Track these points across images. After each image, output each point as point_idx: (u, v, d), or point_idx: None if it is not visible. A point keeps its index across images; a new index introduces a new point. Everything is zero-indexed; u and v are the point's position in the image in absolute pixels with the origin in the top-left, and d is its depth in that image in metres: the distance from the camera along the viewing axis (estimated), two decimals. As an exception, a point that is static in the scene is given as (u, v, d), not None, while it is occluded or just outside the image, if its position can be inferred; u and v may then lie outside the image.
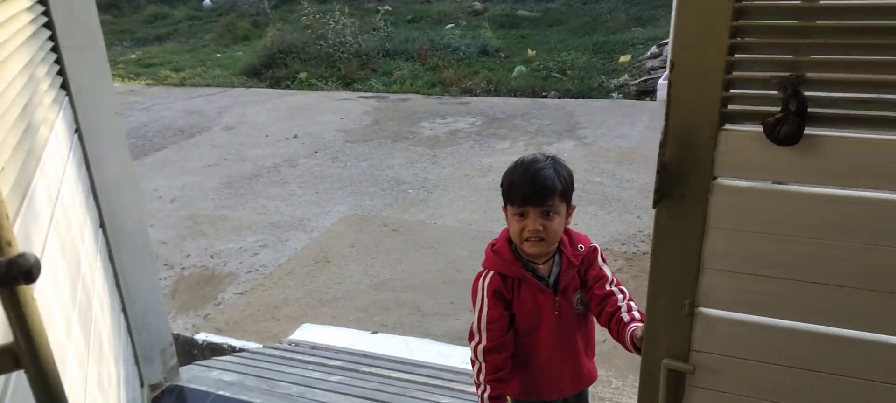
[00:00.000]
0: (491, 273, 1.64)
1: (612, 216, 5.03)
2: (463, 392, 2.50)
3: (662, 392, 1.16)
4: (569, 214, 1.62)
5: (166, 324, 2.43)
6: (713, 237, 1.04)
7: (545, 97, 8.96)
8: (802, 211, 0.97)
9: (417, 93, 9.62)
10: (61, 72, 1.95)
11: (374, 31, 11.93)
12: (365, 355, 3.03)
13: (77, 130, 2.02)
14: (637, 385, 1.22)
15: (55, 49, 1.92)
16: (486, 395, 1.64)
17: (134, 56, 13.05)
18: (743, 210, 1.01)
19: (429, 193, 5.74)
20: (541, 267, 1.63)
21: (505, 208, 1.63)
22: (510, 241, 1.64)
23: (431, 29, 12.69)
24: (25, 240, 1.15)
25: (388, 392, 2.50)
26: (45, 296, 1.18)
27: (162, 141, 7.83)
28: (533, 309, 1.63)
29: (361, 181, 6.14)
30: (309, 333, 3.44)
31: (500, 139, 7.18)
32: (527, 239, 1.56)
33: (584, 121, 7.59)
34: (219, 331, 3.76)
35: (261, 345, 3.42)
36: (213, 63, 12.13)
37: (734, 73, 0.96)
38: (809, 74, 0.92)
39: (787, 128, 0.93)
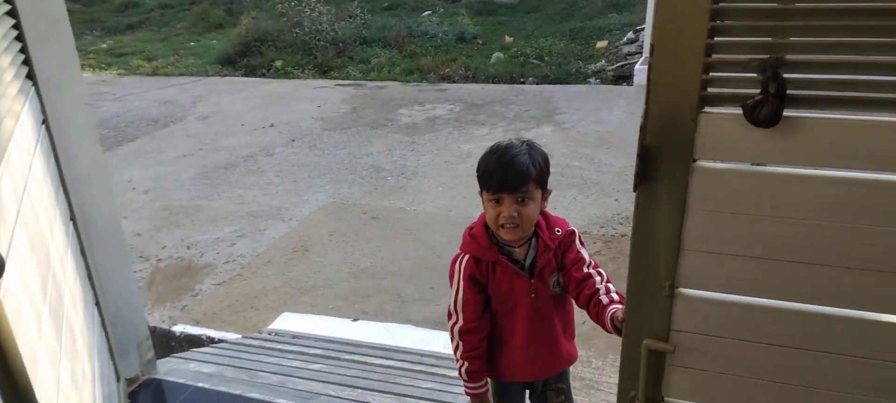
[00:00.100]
0: (467, 256, 1.66)
1: (591, 199, 5.07)
2: (445, 376, 2.50)
3: (643, 371, 1.16)
4: (544, 199, 1.62)
5: (142, 317, 2.39)
6: (693, 218, 1.04)
7: (523, 83, 8.97)
8: (781, 191, 0.98)
9: (395, 80, 9.57)
10: (27, 62, 1.89)
11: (350, 18, 11.82)
12: (346, 342, 3.02)
13: (44, 121, 1.96)
14: (617, 364, 1.23)
15: (20, 38, 1.86)
16: (463, 369, 1.72)
17: (105, 46, 12.78)
18: (722, 191, 1.02)
19: (408, 180, 5.72)
20: (516, 250, 1.64)
21: (481, 193, 1.62)
22: (487, 226, 1.65)
23: (408, 16, 12.61)
24: (-9, 235, 1.12)
25: (370, 379, 2.49)
26: (13, 294, 1.14)
27: (135, 131, 7.69)
28: (509, 292, 1.65)
29: (340, 169, 6.09)
30: (289, 322, 3.41)
31: (478, 125, 7.18)
32: (502, 226, 1.57)
33: (562, 107, 7.62)
34: (197, 323, 3.71)
35: (240, 336, 3.38)
36: (187, 52, 11.92)
37: (714, 56, 0.96)
38: (788, 57, 0.92)
39: (766, 110, 0.93)
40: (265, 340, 3.08)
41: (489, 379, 1.87)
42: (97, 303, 2.09)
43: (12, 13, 1.81)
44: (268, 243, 4.69)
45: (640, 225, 1.08)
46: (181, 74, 10.65)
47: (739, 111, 0.96)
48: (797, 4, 0.92)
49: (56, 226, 1.78)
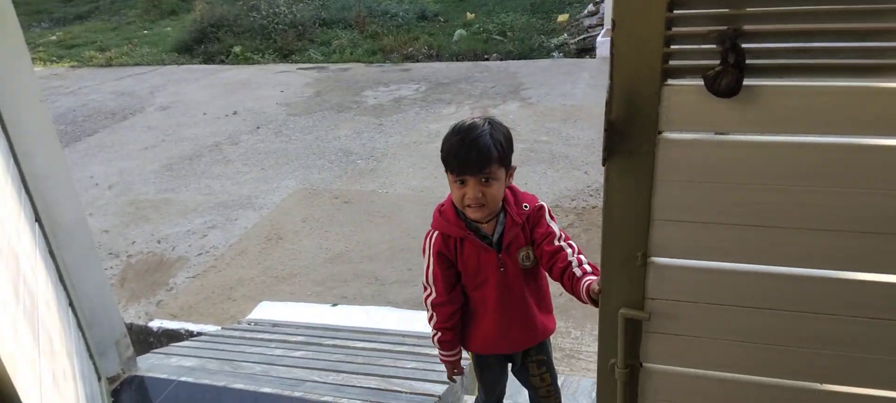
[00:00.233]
0: (436, 233, 1.70)
1: (561, 173, 5.13)
2: (428, 355, 2.54)
3: (620, 339, 1.20)
4: (509, 176, 1.65)
5: (117, 315, 2.36)
6: (661, 189, 1.08)
7: (487, 60, 8.97)
8: (744, 159, 1.02)
9: (358, 61, 9.47)
10: (-25, 60, 1.83)
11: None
12: (327, 328, 3.03)
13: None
14: (595, 334, 1.27)
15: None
16: (436, 339, 1.81)
17: (54, 37, 12.34)
18: (688, 162, 1.05)
19: (378, 162, 5.71)
20: (484, 226, 1.67)
21: (447, 175, 1.65)
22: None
23: (368, -6, 12.43)
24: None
25: (354, 363, 2.51)
26: (-11, 299, 1.13)
27: (93, 125, 7.48)
28: (477, 268, 1.69)
29: (308, 154, 6.04)
30: (268, 311, 3.40)
31: (445, 104, 7.17)
32: (468, 206, 1.60)
33: (527, 82, 7.65)
34: (174, 317, 3.68)
35: (219, 327, 3.37)
36: (141, 40, 11.59)
37: (674, 30, 0.98)
38: (746, 27, 0.95)
39: (726, 80, 0.96)
40: (245, 330, 3.08)
41: (471, 353, 1.92)
42: (71, 304, 2.06)
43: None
44: (240, 233, 4.65)
45: (611, 197, 1.11)
46: (136, 64, 10.36)
47: (701, 82, 0.99)
48: (753, -26, 0.95)
49: (22, 230, 1.75)
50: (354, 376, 2.36)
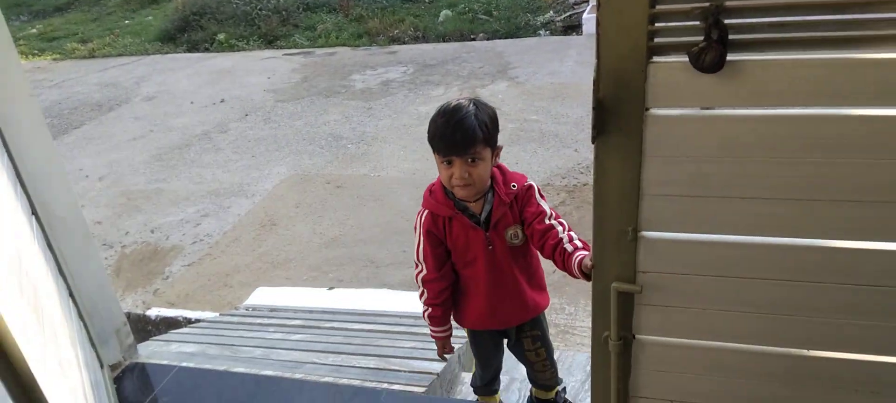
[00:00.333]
0: (426, 212, 1.75)
1: (551, 152, 5.17)
2: (425, 336, 2.55)
3: (614, 313, 1.24)
4: (495, 155, 1.68)
5: (116, 304, 2.38)
6: (650, 164, 1.10)
7: (474, 40, 8.94)
8: (729, 132, 1.05)
9: (344, 45, 9.41)
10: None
11: (291, -16, 11.48)
12: (324, 311, 3.07)
13: (-7, 118, 1.91)
14: (588, 309, 1.30)
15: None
16: (426, 314, 1.87)
17: (35, 30, 12.16)
18: (675, 137, 1.08)
19: (368, 146, 5.72)
20: (472, 205, 1.71)
21: (434, 155, 1.68)
22: None
23: (352, -23, 12.30)
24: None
25: (352, 344, 2.55)
26: (-3, 292, 1.15)
27: (79, 117, 7.42)
28: (466, 246, 1.73)
29: (298, 140, 6.03)
30: (265, 296, 3.43)
31: (433, 85, 7.17)
32: (455, 185, 1.64)
33: (514, 61, 7.65)
34: (171, 305, 3.71)
35: (217, 314, 3.40)
36: (123, 31, 11.45)
37: (658, 7, 1.00)
38: (728, 3, 0.97)
39: (710, 56, 0.99)
40: (243, 316, 3.11)
41: (467, 330, 1.96)
42: (71, 295, 2.08)
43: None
44: (234, 220, 4.67)
45: (601, 174, 1.14)
46: (120, 55, 10.24)
47: (686, 59, 1.01)
48: (734, -51, 0.97)
49: (21, 223, 1.76)
50: (353, 356, 2.41)
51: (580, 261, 1.55)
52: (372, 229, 4.34)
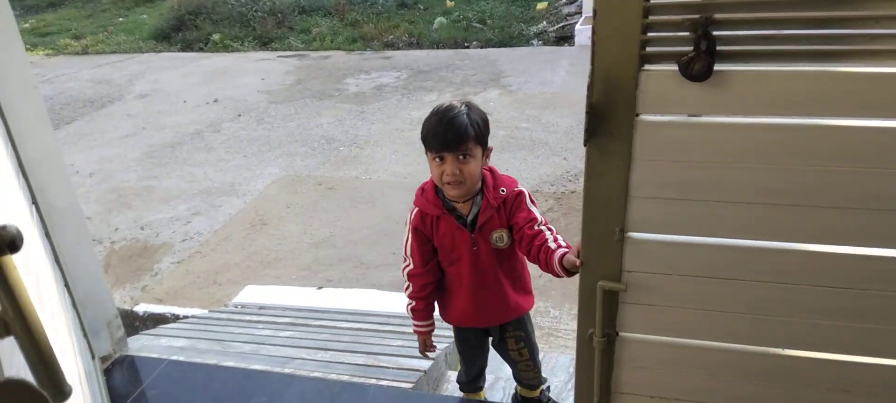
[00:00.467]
0: (416, 210, 1.80)
1: (541, 159, 5.23)
2: (414, 335, 2.61)
3: (599, 311, 1.28)
4: (486, 156, 1.73)
5: (109, 297, 2.40)
6: (638, 168, 1.15)
7: (467, 47, 9.02)
8: (715, 139, 1.09)
9: (338, 49, 9.46)
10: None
11: (288, -14, 11.52)
12: (313, 310, 3.09)
13: (-2, 108, 1.93)
14: (573, 313, 1.35)
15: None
16: (410, 308, 1.92)
17: (28, 25, 12.11)
18: (663, 142, 1.12)
19: (360, 149, 5.75)
20: (460, 206, 1.75)
21: (427, 154, 1.73)
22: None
23: (348, -18, 12.36)
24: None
25: (341, 341, 2.58)
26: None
27: (71, 113, 7.40)
28: (451, 245, 1.78)
29: (290, 142, 6.06)
30: (254, 294, 3.45)
31: (426, 91, 7.22)
32: (447, 182, 1.68)
33: (507, 70, 7.73)
34: (159, 301, 3.71)
35: (206, 310, 3.41)
36: (116, 28, 11.43)
37: (650, 18, 1.05)
38: (717, 15, 1.03)
39: (699, 65, 1.04)
40: (233, 313, 3.12)
41: (453, 327, 2.00)
42: (66, 284, 2.10)
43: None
44: (224, 219, 4.68)
45: (592, 176, 1.18)
46: (113, 52, 10.22)
47: (675, 68, 1.06)
48: (723, -34, 1.02)
49: (22, 212, 1.78)
50: (342, 353, 2.43)
51: (561, 256, 1.57)
52: (362, 231, 4.37)
